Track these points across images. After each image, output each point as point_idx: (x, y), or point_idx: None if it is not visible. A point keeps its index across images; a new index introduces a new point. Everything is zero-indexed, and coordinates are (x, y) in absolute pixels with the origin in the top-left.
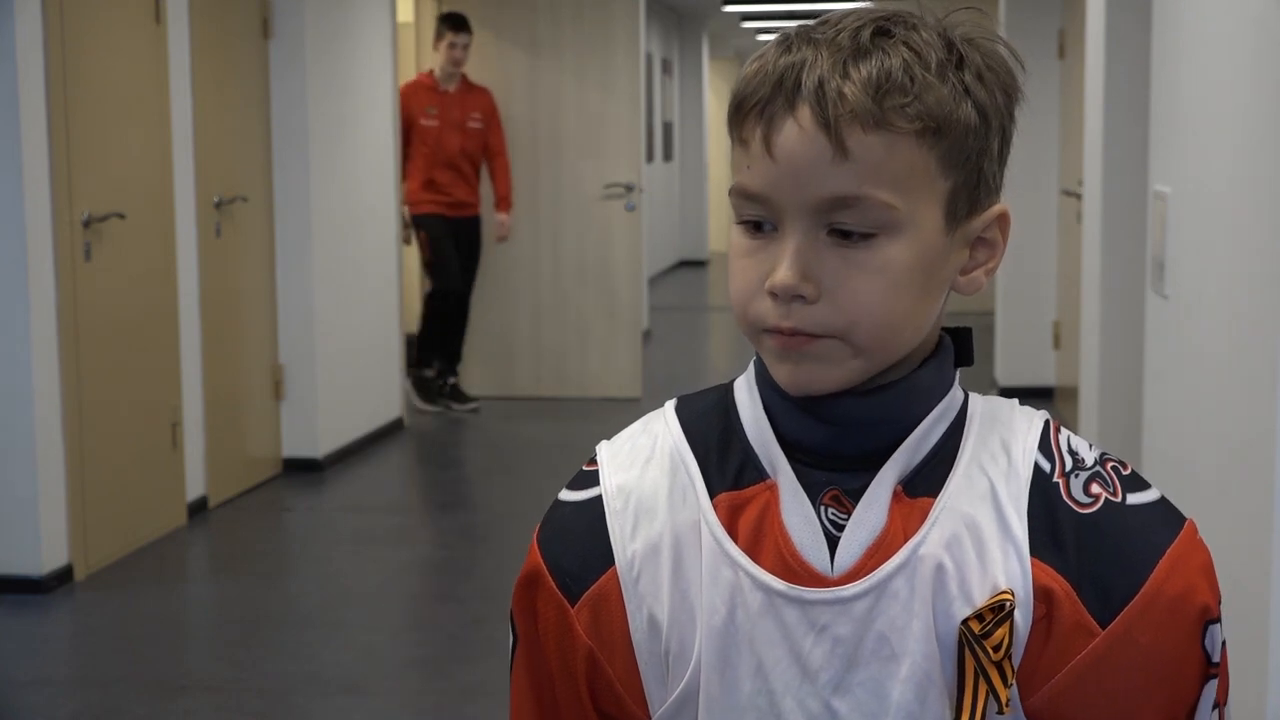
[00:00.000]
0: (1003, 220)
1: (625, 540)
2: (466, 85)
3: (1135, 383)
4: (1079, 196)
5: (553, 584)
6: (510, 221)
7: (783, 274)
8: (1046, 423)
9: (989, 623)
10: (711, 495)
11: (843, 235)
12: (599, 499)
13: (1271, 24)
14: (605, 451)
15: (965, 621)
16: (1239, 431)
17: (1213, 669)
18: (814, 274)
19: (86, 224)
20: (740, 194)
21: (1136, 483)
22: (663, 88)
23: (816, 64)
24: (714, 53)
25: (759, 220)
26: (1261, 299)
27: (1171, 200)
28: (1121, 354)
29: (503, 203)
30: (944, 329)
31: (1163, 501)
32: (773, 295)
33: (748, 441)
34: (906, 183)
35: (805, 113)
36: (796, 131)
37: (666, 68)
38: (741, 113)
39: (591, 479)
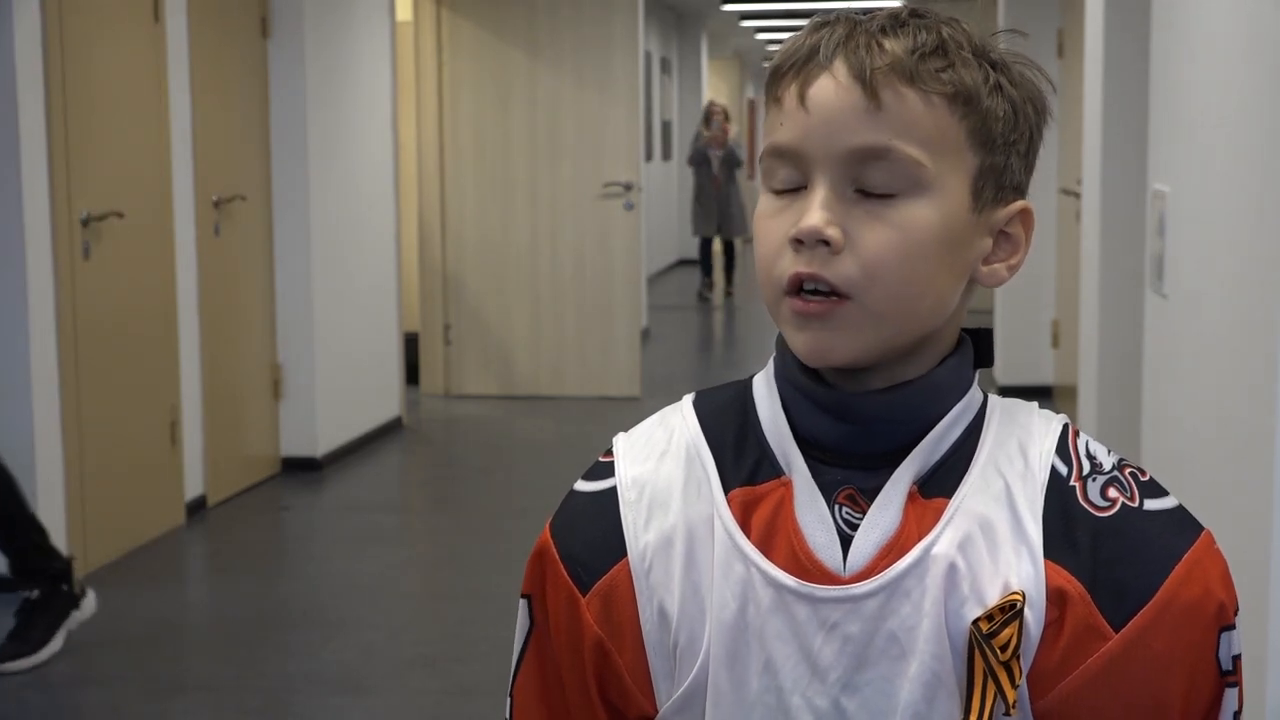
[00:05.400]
0: (1026, 217)
1: (638, 531)
2: None
3: (1134, 382)
4: (1078, 195)
5: (564, 573)
6: None
7: (810, 216)
8: (1065, 427)
9: (997, 623)
10: (726, 490)
11: (870, 191)
12: (613, 490)
13: (1270, 23)
14: (622, 443)
15: (975, 622)
16: (1239, 431)
17: (1231, 677)
18: (840, 223)
19: (85, 223)
20: (772, 152)
21: (1154, 489)
22: (661, 87)
23: (856, 33)
24: (713, 52)
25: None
26: (1261, 298)
27: (1171, 199)
28: (1120, 353)
29: None
30: (964, 330)
31: (1180, 509)
32: (796, 245)
33: (764, 438)
34: (936, 145)
35: (841, 66)
36: (831, 84)
37: (665, 67)
38: (778, 75)
39: (607, 470)
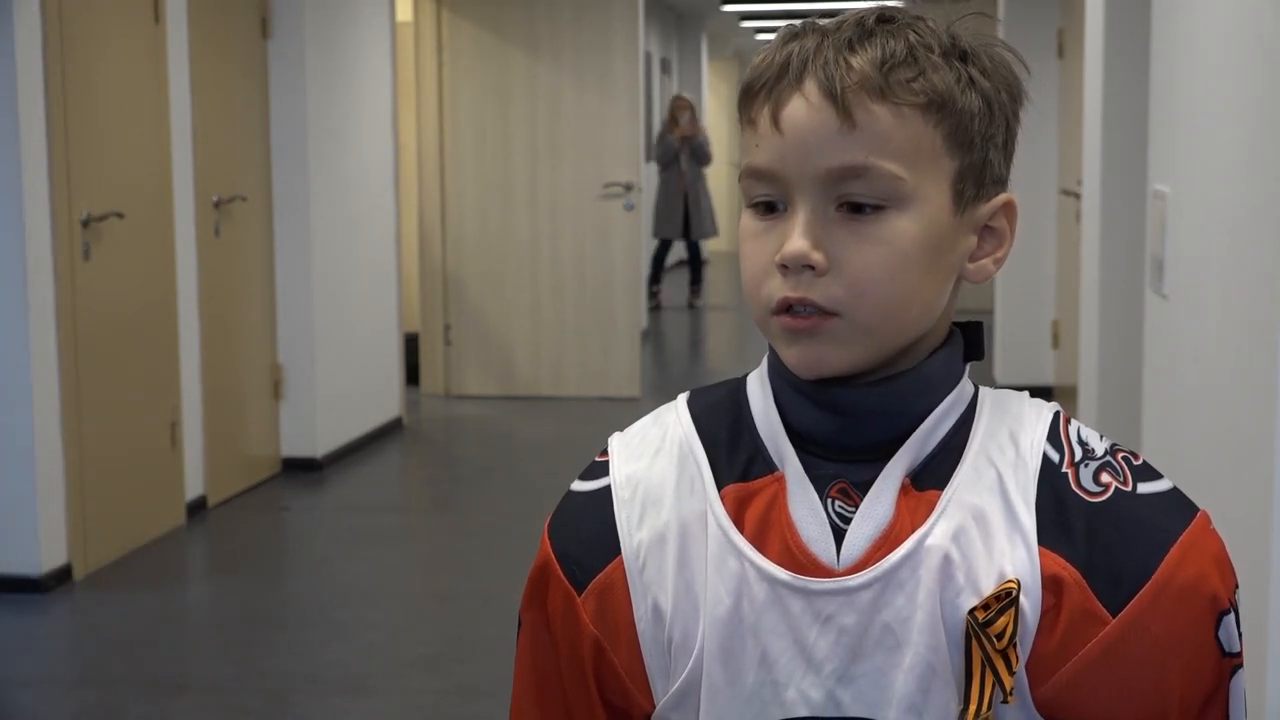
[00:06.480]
0: (1009, 209)
1: (632, 529)
2: None
3: (1134, 382)
4: (1078, 196)
5: (561, 573)
6: None
7: (792, 243)
8: (1056, 414)
9: (993, 611)
10: (720, 487)
11: (851, 209)
12: (608, 489)
13: (1270, 23)
14: (616, 442)
15: (971, 611)
16: (1239, 431)
17: (1234, 659)
18: (823, 245)
19: (85, 223)
20: (750, 174)
21: (1148, 472)
22: (661, 87)
23: (824, 46)
24: (713, 52)
25: (769, 201)
26: (1261, 299)
27: (1171, 200)
28: (1120, 353)
29: None
30: (955, 323)
31: (1175, 491)
32: (783, 270)
33: (757, 434)
34: (913, 156)
35: (812, 86)
36: (803, 105)
37: (665, 67)
38: (750, 95)
39: (602, 470)
